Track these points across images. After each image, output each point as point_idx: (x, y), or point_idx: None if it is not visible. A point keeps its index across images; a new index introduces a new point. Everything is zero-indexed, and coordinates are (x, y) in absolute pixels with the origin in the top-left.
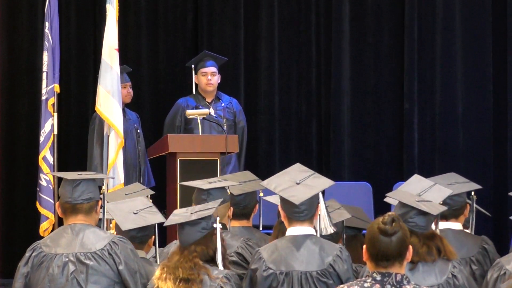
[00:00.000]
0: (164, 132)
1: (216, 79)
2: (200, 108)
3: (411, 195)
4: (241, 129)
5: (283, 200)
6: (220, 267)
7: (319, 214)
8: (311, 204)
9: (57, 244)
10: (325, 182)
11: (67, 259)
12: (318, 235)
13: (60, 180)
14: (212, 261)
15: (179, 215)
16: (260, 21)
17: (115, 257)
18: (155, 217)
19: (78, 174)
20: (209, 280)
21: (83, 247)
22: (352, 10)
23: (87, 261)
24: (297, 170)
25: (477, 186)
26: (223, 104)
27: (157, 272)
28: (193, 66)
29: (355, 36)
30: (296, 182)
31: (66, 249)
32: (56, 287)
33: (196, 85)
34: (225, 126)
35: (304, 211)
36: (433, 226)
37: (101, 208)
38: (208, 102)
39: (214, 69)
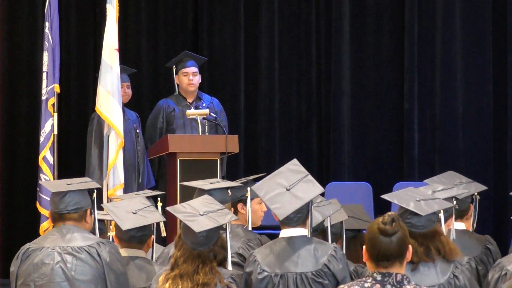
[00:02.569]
0: (146, 133)
1: (198, 79)
2: (201, 108)
3: (410, 193)
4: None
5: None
6: (230, 267)
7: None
8: (301, 210)
9: (45, 241)
10: (314, 190)
11: (53, 250)
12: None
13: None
14: (219, 262)
15: (189, 216)
16: (260, 21)
17: (102, 254)
18: (154, 216)
19: (68, 184)
20: (219, 284)
21: (71, 242)
22: (352, 10)
23: (74, 253)
24: (290, 170)
25: (483, 187)
26: (204, 104)
27: (166, 285)
28: (173, 66)
29: (355, 36)
30: (286, 188)
31: (53, 243)
32: (40, 275)
33: (177, 85)
34: (206, 126)
35: (293, 218)
36: (442, 224)
37: (91, 215)
38: (189, 103)
39: (195, 69)
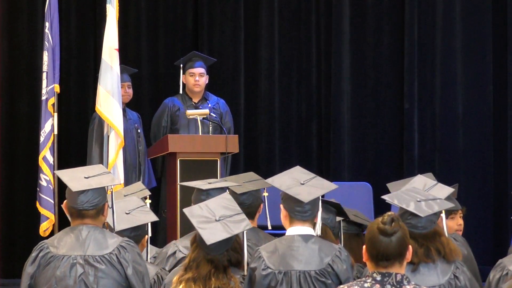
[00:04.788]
0: (151, 132)
1: (204, 80)
2: (200, 108)
3: (411, 194)
4: (227, 130)
5: (289, 198)
6: (246, 271)
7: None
8: (314, 205)
9: (65, 246)
10: (329, 185)
11: (75, 261)
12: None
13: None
14: (234, 264)
15: (203, 222)
16: (260, 21)
17: (123, 261)
18: (147, 216)
19: (85, 178)
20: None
21: (91, 250)
22: (352, 10)
23: (96, 264)
24: (299, 172)
25: (451, 189)
26: (209, 105)
27: (180, 287)
28: (181, 65)
29: (355, 36)
30: (300, 182)
31: (74, 251)
32: None
33: (184, 84)
34: (211, 127)
35: (308, 211)
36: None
37: (109, 208)
38: (194, 103)
39: (202, 70)
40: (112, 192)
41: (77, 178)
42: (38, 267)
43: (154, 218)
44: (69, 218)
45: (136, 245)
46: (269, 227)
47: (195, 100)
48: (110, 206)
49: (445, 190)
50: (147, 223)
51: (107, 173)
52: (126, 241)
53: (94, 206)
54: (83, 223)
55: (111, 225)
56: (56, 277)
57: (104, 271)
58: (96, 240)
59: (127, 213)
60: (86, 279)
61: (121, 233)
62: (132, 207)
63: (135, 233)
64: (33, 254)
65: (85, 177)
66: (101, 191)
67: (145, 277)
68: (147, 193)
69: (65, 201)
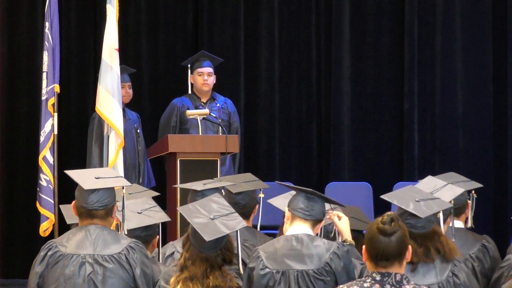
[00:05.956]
0: (160, 132)
1: (212, 80)
2: (201, 108)
3: (409, 194)
4: (235, 129)
5: (296, 197)
6: (241, 271)
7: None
8: (320, 208)
9: (74, 245)
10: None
11: (84, 260)
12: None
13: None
14: (228, 262)
15: (202, 220)
16: (260, 21)
17: (131, 262)
18: (159, 216)
19: (96, 178)
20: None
21: (100, 249)
22: (352, 10)
23: (105, 263)
24: None
25: (478, 185)
26: (218, 105)
27: (178, 287)
28: (189, 65)
29: (355, 36)
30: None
31: (84, 250)
32: (72, 287)
33: (191, 84)
34: (220, 127)
35: (310, 210)
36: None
37: (120, 210)
38: (203, 102)
39: (210, 70)
40: (124, 194)
41: (88, 178)
42: (47, 266)
43: (166, 218)
44: (78, 218)
45: (144, 246)
46: (258, 228)
47: (204, 100)
48: (120, 209)
49: (453, 191)
50: (158, 224)
51: (119, 176)
52: (135, 242)
53: (104, 207)
54: (91, 224)
55: (124, 225)
56: (65, 275)
57: (112, 270)
58: (105, 240)
59: (139, 213)
60: (95, 278)
61: (132, 232)
62: (144, 206)
63: (146, 233)
64: (42, 253)
65: (95, 177)
66: (112, 192)
67: (151, 279)
68: (154, 193)
69: (73, 201)
